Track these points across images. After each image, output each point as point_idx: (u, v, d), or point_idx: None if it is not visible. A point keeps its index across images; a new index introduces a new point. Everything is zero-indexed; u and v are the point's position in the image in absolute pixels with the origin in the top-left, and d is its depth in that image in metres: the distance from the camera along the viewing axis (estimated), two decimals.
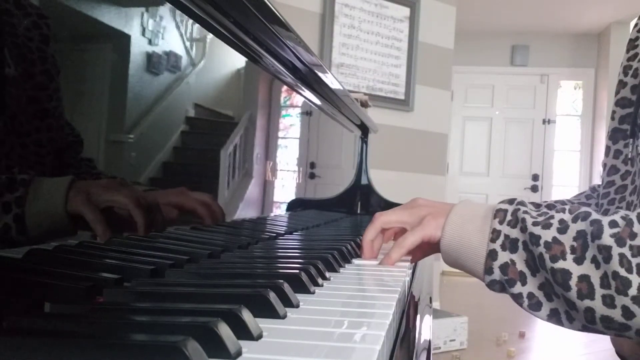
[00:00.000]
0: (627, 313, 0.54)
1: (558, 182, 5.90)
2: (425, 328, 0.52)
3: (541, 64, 5.85)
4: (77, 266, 0.46)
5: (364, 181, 1.81)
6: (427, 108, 3.53)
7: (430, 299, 0.66)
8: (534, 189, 5.84)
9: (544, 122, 5.87)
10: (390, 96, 3.39)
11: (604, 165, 0.87)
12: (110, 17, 0.53)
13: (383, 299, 0.49)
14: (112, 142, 0.56)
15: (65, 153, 0.48)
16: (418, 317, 0.55)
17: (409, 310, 0.56)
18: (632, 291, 0.54)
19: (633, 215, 0.56)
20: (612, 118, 0.86)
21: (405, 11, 3.43)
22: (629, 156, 0.82)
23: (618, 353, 0.89)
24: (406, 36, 3.43)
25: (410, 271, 0.73)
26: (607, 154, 0.86)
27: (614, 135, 0.85)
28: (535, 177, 5.87)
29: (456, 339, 3.08)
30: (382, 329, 0.38)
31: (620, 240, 0.55)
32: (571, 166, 5.89)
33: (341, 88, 1.27)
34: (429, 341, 0.50)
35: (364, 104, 2.25)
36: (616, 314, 0.55)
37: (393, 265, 0.72)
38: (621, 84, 0.86)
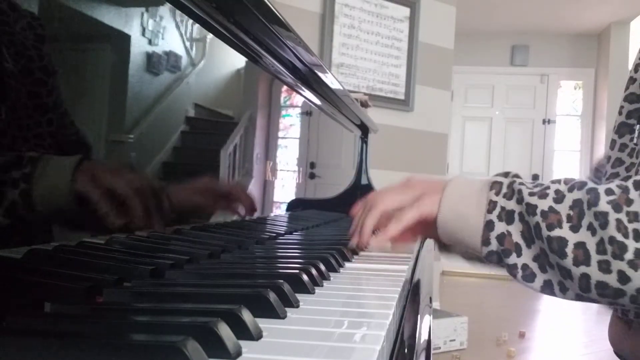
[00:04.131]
0: (623, 277, 0.56)
1: None
2: (425, 328, 0.52)
3: (541, 64, 5.85)
4: (77, 266, 0.46)
5: (364, 181, 1.81)
6: (427, 108, 3.53)
7: (430, 299, 0.66)
8: None
9: (544, 122, 5.87)
10: (390, 96, 3.39)
11: (609, 158, 0.88)
12: (110, 17, 0.53)
13: (383, 299, 0.49)
14: (112, 142, 0.56)
15: (67, 151, 0.48)
16: (418, 317, 0.55)
17: (409, 310, 0.56)
18: (629, 255, 0.55)
19: (629, 183, 0.58)
20: (620, 113, 0.87)
21: (405, 11, 3.42)
22: (636, 148, 0.83)
23: (617, 353, 0.89)
24: (406, 36, 3.43)
25: (410, 271, 0.73)
26: (612, 147, 0.87)
27: (620, 129, 0.87)
28: (535, 177, 5.87)
29: (456, 339, 3.08)
30: (382, 329, 0.38)
31: (617, 207, 0.56)
32: (571, 166, 5.89)
33: (341, 88, 1.27)
34: (429, 341, 0.49)
35: (364, 104, 2.25)
36: (612, 279, 0.56)
37: (390, 240, 0.71)
38: (631, 80, 0.87)
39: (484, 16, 5.40)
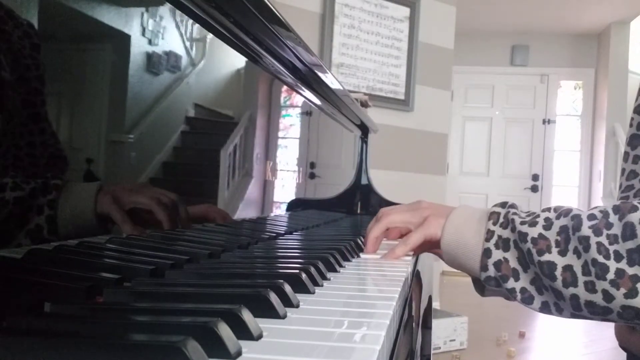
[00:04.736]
0: (607, 296, 0.59)
1: (558, 182, 5.90)
2: (425, 328, 0.52)
3: (541, 64, 5.85)
4: (77, 266, 0.46)
5: (364, 181, 1.81)
6: (427, 108, 3.53)
7: (430, 298, 0.67)
8: (534, 189, 5.84)
9: (544, 122, 5.87)
10: (390, 96, 3.39)
11: (623, 170, 0.89)
12: (110, 17, 0.53)
13: (383, 299, 0.49)
14: (112, 142, 0.56)
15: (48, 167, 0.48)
16: (418, 317, 0.55)
17: (409, 310, 0.56)
18: (610, 275, 0.58)
19: (609, 208, 0.61)
20: (631, 125, 0.88)
21: (405, 11, 3.42)
22: None
23: (622, 346, 0.89)
24: (406, 36, 3.43)
25: (411, 271, 0.73)
26: (625, 159, 0.88)
27: (633, 141, 0.88)
28: (535, 177, 5.87)
29: (456, 339, 3.08)
30: (382, 329, 0.38)
31: (597, 231, 0.60)
32: (571, 166, 5.89)
33: (341, 88, 1.27)
34: (429, 341, 0.50)
35: (364, 104, 2.25)
36: (598, 298, 0.59)
37: (396, 259, 0.77)
38: None
39: (484, 16, 5.40)
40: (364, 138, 1.84)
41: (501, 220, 0.68)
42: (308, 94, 1.18)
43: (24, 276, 0.42)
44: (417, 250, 0.82)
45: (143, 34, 0.59)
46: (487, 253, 0.67)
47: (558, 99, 5.92)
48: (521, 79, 5.90)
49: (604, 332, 3.52)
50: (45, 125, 0.46)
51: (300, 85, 1.11)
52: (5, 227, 0.42)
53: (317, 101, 1.25)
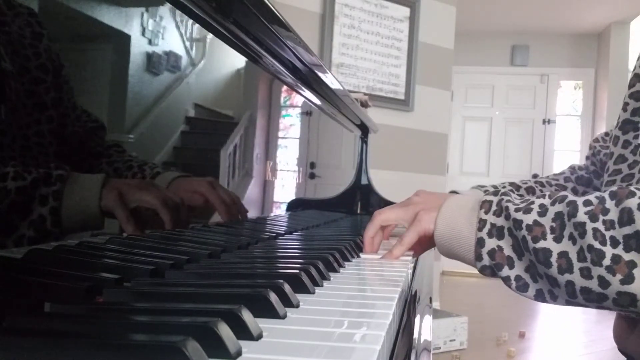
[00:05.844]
0: (603, 282, 0.58)
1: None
2: (425, 328, 0.52)
3: (541, 64, 5.85)
4: (77, 266, 0.46)
5: (364, 181, 1.81)
6: (427, 108, 3.53)
7: (430, 299, 0.67)
8: None
9: (544, 122, 5.87)
10: (390, 96, 3.39)
11: (611, 154, 0.88)
12: (110, 17, 0.53)
13: (383, 299, 0.49)
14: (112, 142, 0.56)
15: (91, 141, 0.51)
16: (418, 317, 0.55)
17: (409, 310, 0.56)
18: (606, 261, 0.58)
19: (605, 194, 0.61)
20: (624, 110, 0.87)
21: (405, 11, 3.42)
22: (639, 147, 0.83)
23: (621, 350, 0.89)
24: (406, 36, 3.43)
25: (411, 272, 0.73)
26: (615, 143, 0.87)
27: (625, 126, 0.86)
28: (535, 177, 5.87)
29: (456, 339, 3.08)
30: (382, 329, 0.38)
31: (593, 217, 0.59)
32: None
33: (341, 88, 1.27)
34: (429, 341, 0.50)
35: (364, 104, 2.25)
36: (593, 285, 0.59)
37: (396, 259, 0.77)
38: (637, 77, 0.87)
39: (484, 16, 5.40)
40: (364, 138, 1.84)
41: (494, 208, 0.68)
42: (308, 94, 1.18)
43: (24, 276, 0.42)
44: (418, 249, 0.81)
45: (143, 34, 0.59)
46: (480, 242, 0.67)
47: (558, 99, 5.92)
48: (521, 79, 5.90)
49: (604, 332, 3.52)
50: (53, 113, 0.46)
51: (300, 85, 1.11)
52: (11, 218, 0.42)
53: (317, 101, 1.26)
